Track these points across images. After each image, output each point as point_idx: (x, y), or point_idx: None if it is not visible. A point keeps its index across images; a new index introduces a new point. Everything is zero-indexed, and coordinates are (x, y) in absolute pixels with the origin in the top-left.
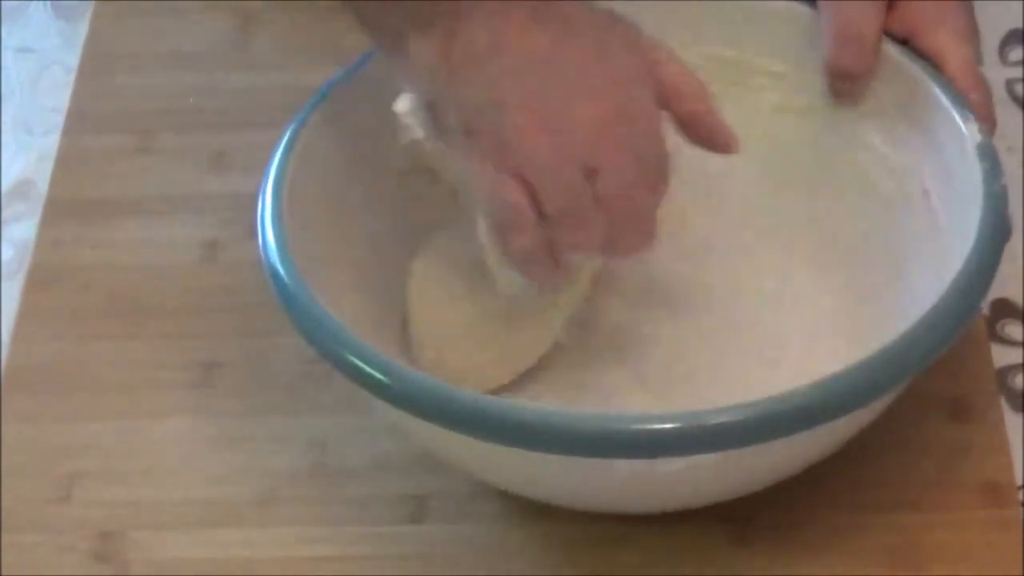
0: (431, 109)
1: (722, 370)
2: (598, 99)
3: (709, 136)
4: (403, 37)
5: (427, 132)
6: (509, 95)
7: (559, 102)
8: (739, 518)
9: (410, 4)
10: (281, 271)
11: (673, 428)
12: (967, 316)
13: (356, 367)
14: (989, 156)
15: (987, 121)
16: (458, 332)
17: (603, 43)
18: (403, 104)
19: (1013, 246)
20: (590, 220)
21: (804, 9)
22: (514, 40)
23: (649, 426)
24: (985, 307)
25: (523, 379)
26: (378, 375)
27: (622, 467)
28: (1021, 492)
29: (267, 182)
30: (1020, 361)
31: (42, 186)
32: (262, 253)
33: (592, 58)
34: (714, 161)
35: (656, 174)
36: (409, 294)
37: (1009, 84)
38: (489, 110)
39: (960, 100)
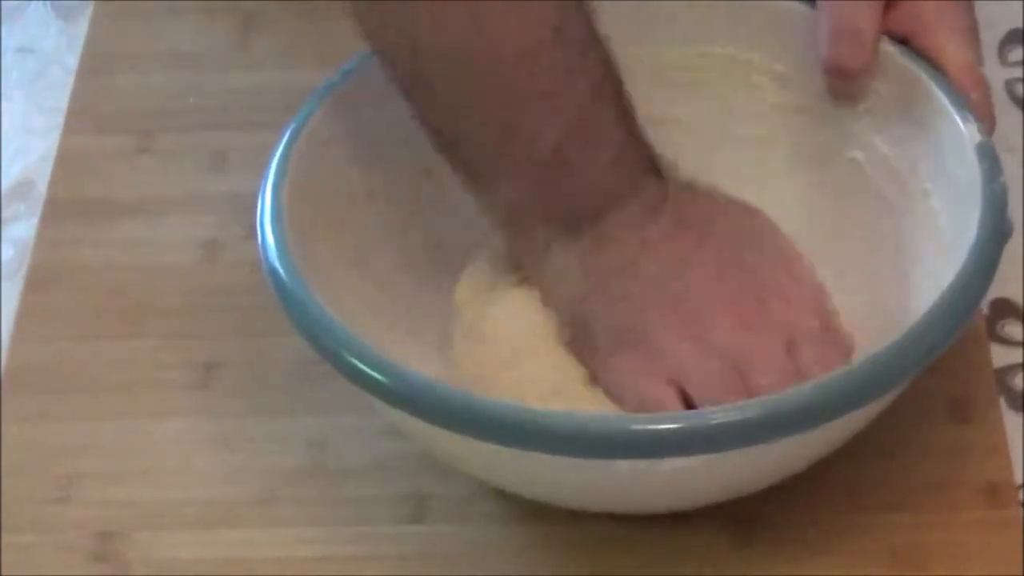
0: (567, 314)
1: None
2: (735, 298)
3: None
4: (546, 241)
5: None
6: (652, 308)
7: (699, 306)
8: (739, 519)
9: (555, 207)
10: (280, 271)
11: (674, 428)
12: (967, 315)
13: (355, 367)
14: (988, 155)
15: (987, 121)
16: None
17: (738, 243)
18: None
19: (1013, 246)
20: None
21: (804, 8)
22: (657, 249)
23: (649, 426)
24: (985, 307)
25: None
26: (377, 375)
27: (622, 468)
28: (1021, 492)
29: (267, 182)
30: (1020, 361)
31: (42, 186)
32: (262, 253)
33: (728, 260)
34: (711, 162)
35: (811, 353)
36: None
37: (1009, 84)
38: (636, 323)
39: (960, 99)
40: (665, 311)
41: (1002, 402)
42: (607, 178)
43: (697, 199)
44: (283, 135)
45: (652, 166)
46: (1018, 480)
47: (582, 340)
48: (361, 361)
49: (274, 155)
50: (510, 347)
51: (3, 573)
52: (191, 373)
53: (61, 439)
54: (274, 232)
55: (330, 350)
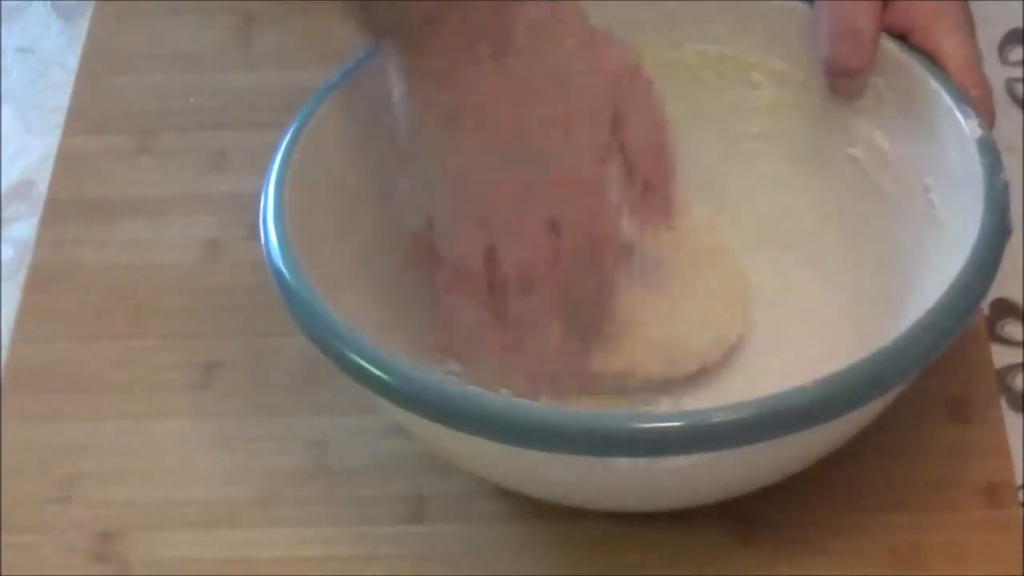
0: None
1: (723, 369)
2: (555, 159)
3: (650, 204)
4: (397, 56)
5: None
6: (473, 164)
7: (519, 162)
8: (739, 518)
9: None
10: (284, 270)
11: (674, 427)
12: (969, 314)
13: (358, 365)
14: (989, 151)
15: (987, 117)
16: None
17: (566, 93)
18: None
19: (1013, 246)
20: (542, 284)
21: (802, 6)
22: (468, 84)
23: (650, 425)
24: (985, 307)
25: None
26: (379, 373)
27: (623, 465)
28: (1021, 492)
29: (269, 180)
30: (1020, 361)
31: (42, 186)
32: (265, 252)
33: (552, 118)
34: (711, 158)
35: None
36: None
37: (1009, 84)
38: (452, 178)
39: (960, 95)
40: (484, 173)
41: (1002, 402)
42: None
43: (556, 42)
44: (285, 134)
45: None
46: (1018, 480)
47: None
48: (364, 359)
49: (276, 154)
50: None
51: (3, 573)
52: (191, 373)
53: (61, 439)
54: (277, 231)
55: (333, 348)
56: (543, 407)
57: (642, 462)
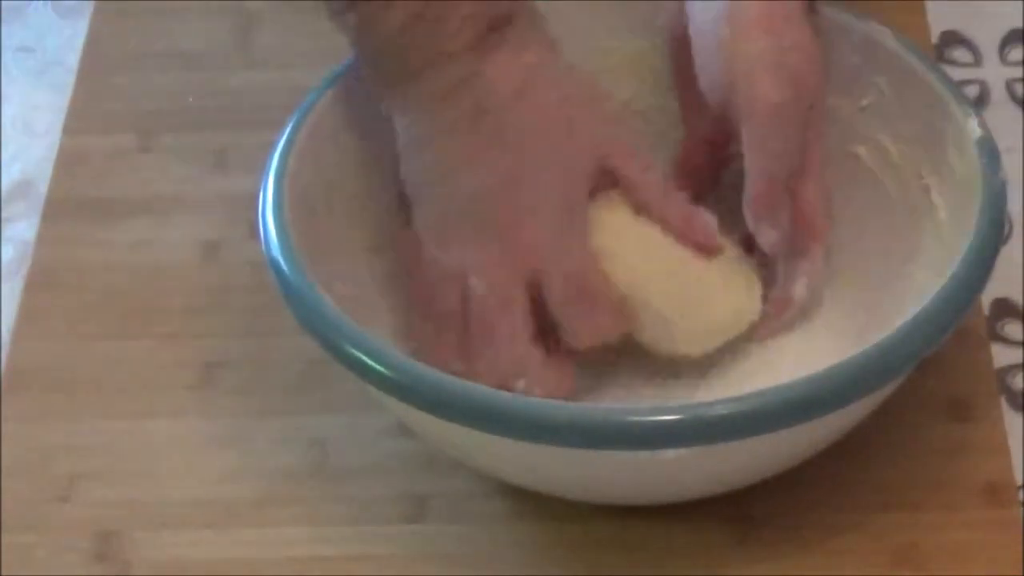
0: None
1: (721, 365)
2: (489, 217)
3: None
4: (388, 102)
5: None
6: (418, 201)
7: (454, 217)
8: (738, 517)
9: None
10: (282, 262)
11: (672, 420)
12: (961, 312)
13: (357, 359)
14: (988, 150)
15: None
16: None
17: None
18: None
19: (1013, 247)
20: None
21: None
22: (439, 138)
23: (647, 418)
24: (985, 307)
25: None
26: (379, 367)
27: (622, 459)
28: (1021, 492)
29: (269, 174)
30: (1020, 361)
31: (42, 186)
32: (264, 245)
33: (506, 171)
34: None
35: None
36: None
37: (1009, 84)
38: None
39: (960, 94)
40: (428, 211)
41: (1002, 402)
42: (413, 35)
43: (524, 94)
44: (285, 128)
45: (487, 33)
46: (1018, 480)
47: None
48: (363, 353)
49: (276, 147)
50: None
51: (3, 573)
52: (191, 373)
53: (61, 439)
54: (276, 224)
55: (332, 342)
56: (542, 401)
57: (642, 455)
